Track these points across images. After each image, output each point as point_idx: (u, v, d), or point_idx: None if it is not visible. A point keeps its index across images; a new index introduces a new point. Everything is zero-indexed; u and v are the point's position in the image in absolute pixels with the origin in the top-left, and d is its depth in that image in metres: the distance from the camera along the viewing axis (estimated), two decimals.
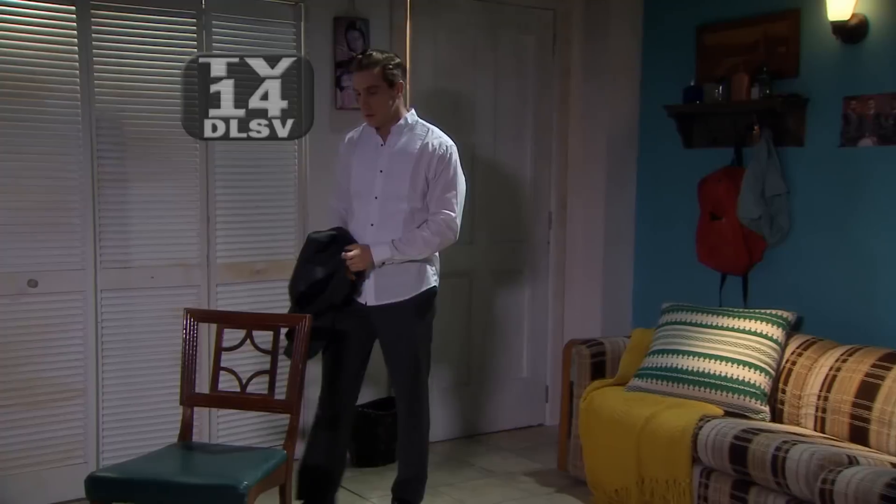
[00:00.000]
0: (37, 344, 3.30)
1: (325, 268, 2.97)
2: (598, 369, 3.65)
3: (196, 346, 2.89)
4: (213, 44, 3.49)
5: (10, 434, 3.27)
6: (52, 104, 3.26)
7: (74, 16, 3.26)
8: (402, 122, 3.06)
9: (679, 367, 3.36)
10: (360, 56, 3.01)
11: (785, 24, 3.56)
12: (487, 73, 4.21)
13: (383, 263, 3.01)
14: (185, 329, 2.88)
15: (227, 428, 3.67)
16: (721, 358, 3.31)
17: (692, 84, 3.87)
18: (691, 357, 3.37)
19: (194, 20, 3.47)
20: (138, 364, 3.49)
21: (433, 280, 3.13)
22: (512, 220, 4.37)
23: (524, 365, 4.49)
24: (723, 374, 3.27)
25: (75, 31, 3.26)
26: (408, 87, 3.90)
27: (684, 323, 3.52)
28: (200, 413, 3.49)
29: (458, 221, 3.07)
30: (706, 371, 3.30)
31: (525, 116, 4.35)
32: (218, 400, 2.98)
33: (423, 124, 3.11)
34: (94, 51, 3.30)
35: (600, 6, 4.25)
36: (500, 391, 4.41)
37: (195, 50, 3.44)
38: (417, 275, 3.08)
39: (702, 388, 3.29)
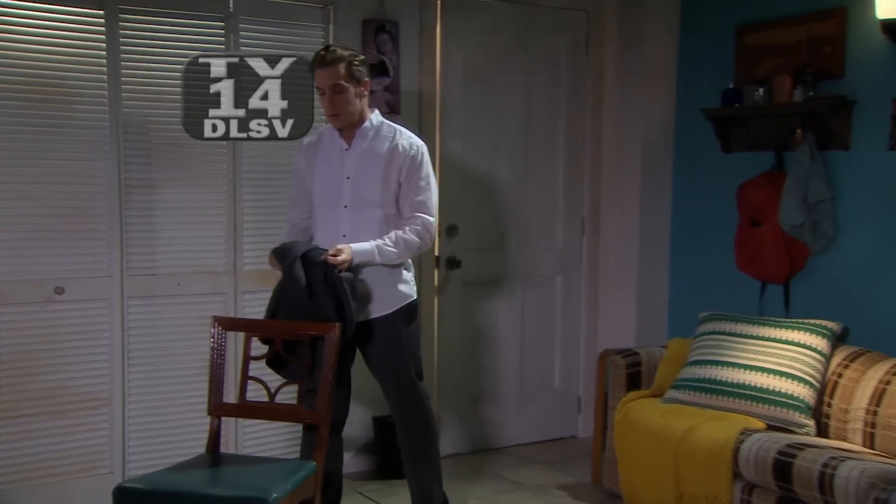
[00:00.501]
0: (63, 352, 3.31)
1: (319, 283, 2.79)
2: (634, 380, 3.60)
3: (224, 354, 2.88)
4: (241, 47, 3.48)
5: (36, 443, 3.29)
6: (79, 109, 3.28)
7: (103, 20, 3.27)
8: (367, 124, 2.94)
9: (718, 378, 3.30)
10: (323, 52, 2.86)
11: (830, 24, 3.49)
12: (519, 76, 4.18)
13: (359, 266, 2.89)
14: (213, 337, 2.87)
15: (253, 438, 3.66)
16: (762, 369, 3.25)
17: (731, 86, 3.80)
18: (731, 368, 3.30)
19: (222, 24, 3.48)
20: (164, 373, 3.49)
21: (414, 292, 3.07)
22: (543, 226, 4.34)
23: (556, 375, 4.45)
24: (764, 387, 3.21)
25: (104, 36, 3.28)
26: (437, 89, 3.96)
27: (723, 333, 3.46)
28: (226, 423, 3.46)
29: (435, 224, 3.01)
30: (747, 383, 3.24)
31: (557, 120, 4.32)
32: (246, 410, 2.96)
33: (389, 125, 3.01)
34: (122, 55, 3.31)
35: (635, 7, 4.21)
36: (531, 402, 4.38)
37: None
38: (401, 287, 3.00)
39: (742, 401, 3.23)
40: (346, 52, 2.87)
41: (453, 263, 4.07)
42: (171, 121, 3.41)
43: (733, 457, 2.98)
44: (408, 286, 3.03)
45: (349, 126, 2.93)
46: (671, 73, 4.20)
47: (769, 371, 3.23)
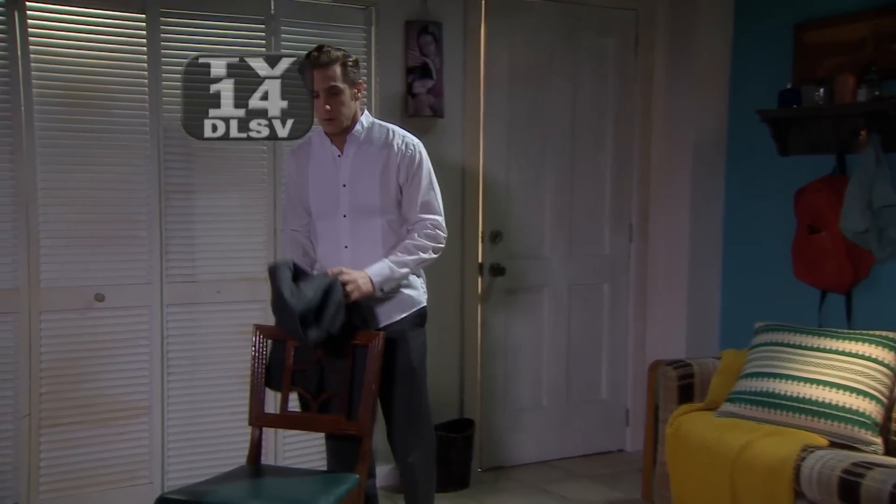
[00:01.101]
0: (103, 360, 3.33)
1: (314, 290, 2.62)
2: (686, 392, 3.50)
3: (265, 363, 2.85)
4: (282, 49, 3.48)
5: (76, 452, 3.31)
6: (119, 114, 3.29)
7: (144, 24, 3.29)
8: (357, 126, 2.81)
9: (776, 391, 3.20)
10: (315, 52, 2.71)
11: None
12: (565, 77, 4.14)
13: (382, 289, 2.77)
14: (255, 346, 2.85)
15: (293, 449, 3.64)
16: (824, 383, 3.13)
17: (789, 87, 3.71)
18: (790, 381, 3.20)
19: (263, 26, 3.48)
20: (203, 381, 3.49)
21: (424, 298, 2.95)
22: (590, 232, 4.29)
23: (603, 386, 4.39)
24: (826, 401, 3.09)
25: (144, 40, 3.30)
26: (482, 91, 3.94)
27: (781, 344, 3.35)
28: (266, 433, 3.44)
29: (444, 224, 2.88)
30: (807, 397, 3.13)
31: (605, 123, 4.26)
32: (288, 420, 2.93)
33: (381, 124, 2.87)
34: (163, 59, 3.32)
35: (687, 5, 4.13)
36: (577, 414, 4.32)
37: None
38: (409, 292, 2.90)
39: (802, 416, 3.12)
40: (339, 53, 2.76)
41: (497, 270, 4.03)
42: None
43: (794, 475, 2.88)
44: (417, 292, 2.92)
45: (341, 132, 2.81)
46: (724, 74, 4.11)
47: (831, 385, 3.12)
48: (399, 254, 2.79)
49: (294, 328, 2.63)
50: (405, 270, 2.80)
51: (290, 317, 2.61)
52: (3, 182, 3.15)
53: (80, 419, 3.30)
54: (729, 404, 3.30)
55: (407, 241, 2.82)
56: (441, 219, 2.87)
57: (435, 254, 2.87)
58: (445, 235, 2.89)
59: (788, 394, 3.17)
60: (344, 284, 2.68)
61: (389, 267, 2.76)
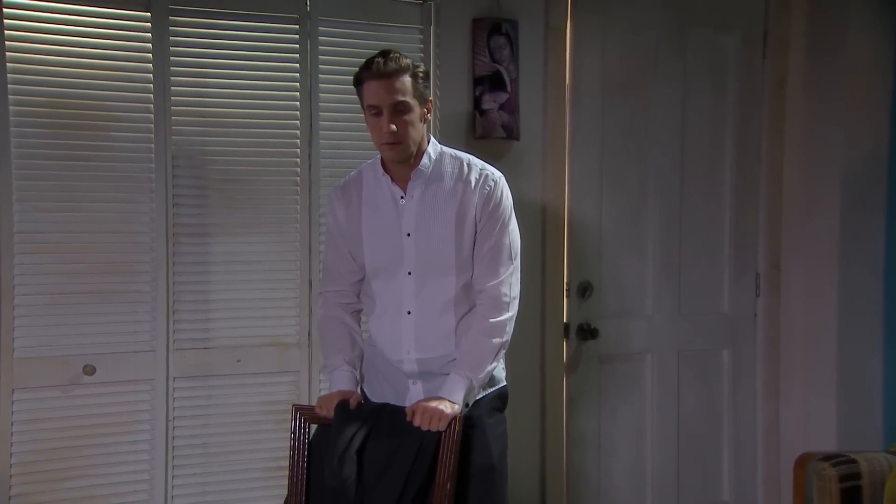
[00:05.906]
0: (92, 449, 3.24)
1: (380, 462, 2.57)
2: (852, 498, 3.19)
3: (306, 454, 2.68)
4: (320, 55, 3.49)
5: None
6: (118, 137, 3.26)
7: (149, 24, 3.28)
8: (425, 159, 2.70)
9: None
10: (380, 59, 2.61)
11: None
12: (673, 87, 4.02)
13: (468, 405, 2.64)
14: (293, 433, 2.68)
15: None
16: None
17: None
18: None
19: (296, 26, 3.47)
20: (219, 475, 3.42)
21: (504, 375, 2.79)
22: (705, 284, 4.15)
23: (724, 483, 4.22)
24: None
25: (150, 45, 3.28)
26: (567, 107, 3.85)
27: None
28: None
29: (517, 285, 2.71)
30: None
31: (723, 145, 4.14)
32: None
33: (454, 155, 2.76)
34: (173, 68, 3.31)
35: None
36: None
37: (296, 64, 3.43)
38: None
39: None
40: (408, 61, 2.65)
41: (587, 332, 3.89)
42: (233, 151, 3.44)
43: None
44: (498, 370, 2.78)
45: (406, 160, 2.68)
46: (885, 79, 3.88)
47: None
48: (471, 355, 2.65)
49: None
50: (484, 378, 2.66)
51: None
52: None
53: None
54: None
55: (476, 337, 2.66)
56: (512, 283, 2.71)
57: (507, 334, 2.70)
58: (517, 299, 2.73)
59: None
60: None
61: (468, 383, 2.62)
